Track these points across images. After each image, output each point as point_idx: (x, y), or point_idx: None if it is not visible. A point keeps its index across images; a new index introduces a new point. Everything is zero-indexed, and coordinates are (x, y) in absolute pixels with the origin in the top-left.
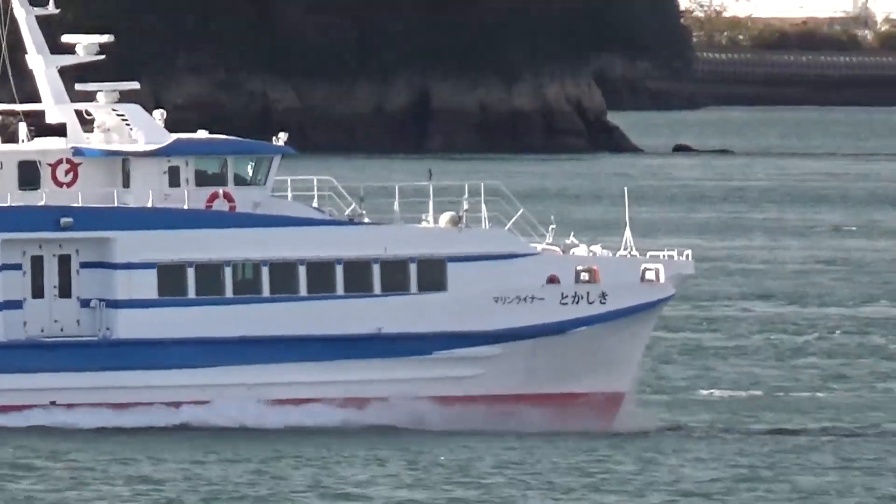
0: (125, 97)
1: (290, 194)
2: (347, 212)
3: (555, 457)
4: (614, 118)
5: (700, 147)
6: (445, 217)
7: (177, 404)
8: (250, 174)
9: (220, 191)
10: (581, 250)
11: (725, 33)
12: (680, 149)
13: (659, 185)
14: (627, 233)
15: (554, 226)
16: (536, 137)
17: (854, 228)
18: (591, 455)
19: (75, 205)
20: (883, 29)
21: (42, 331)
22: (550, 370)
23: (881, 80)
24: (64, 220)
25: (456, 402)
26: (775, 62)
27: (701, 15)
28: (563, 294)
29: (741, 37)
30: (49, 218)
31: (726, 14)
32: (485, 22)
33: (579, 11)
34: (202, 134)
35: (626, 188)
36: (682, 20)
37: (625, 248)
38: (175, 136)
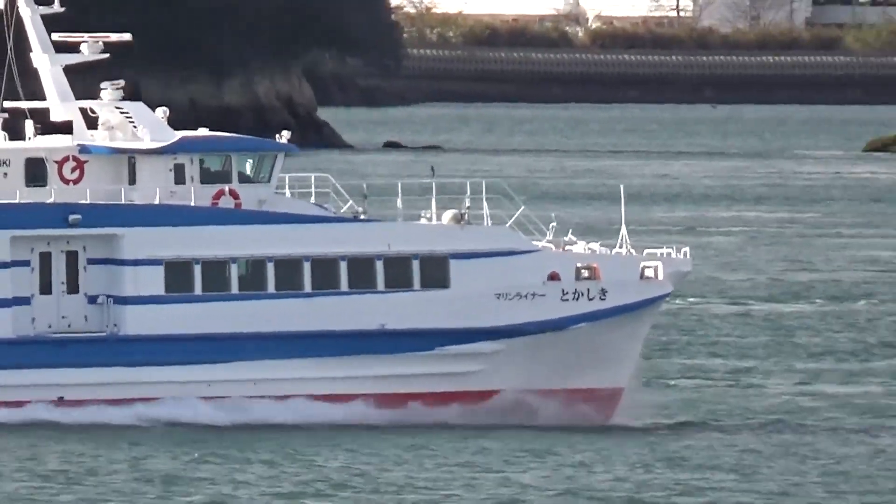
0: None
1: (287, 191)
2: (345, 209)
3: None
4: (325, 114)
5: (410, 144)
6: (448, 214)
7: (184, 399)
8: (255, 172)
9: (226, 188)
10: (578, 247)
11: (436, 30)
12: (390, 145)
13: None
14: (623, 230)
15: (555, 223)
16: (247, 133)
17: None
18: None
19: (83, 202)
20: (594, 26)
21: (50, 327)
22: (551, 366)
23: (592, 77)
24: (72, 217)
25: (457, 397)
26: (486, 59)
27: (412, 11)
28: (563, 291)
29: (452, 33)
30: (57, 215)
31: (437, 10)
32: (195, 17)
33: (290, 9)
34: (204, 132)
35: (622, 186)
36: (392, 17)
37: (621, 246)
38: (180, 133)
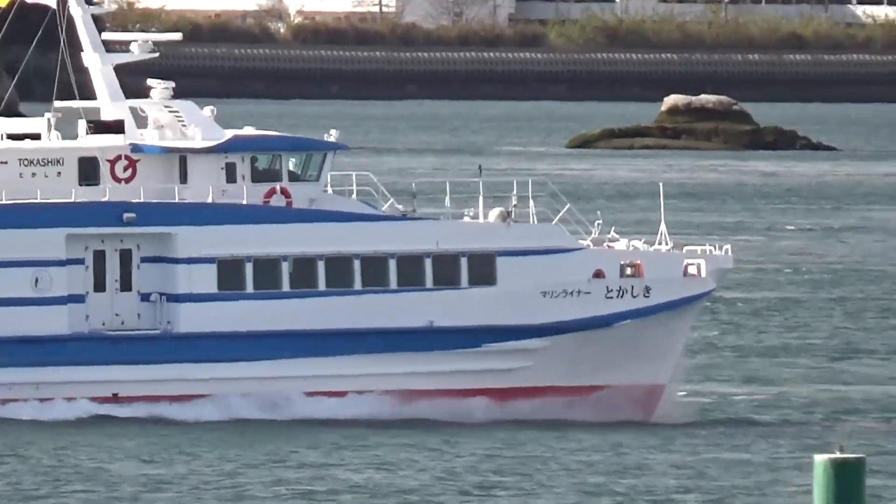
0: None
1: (329, 189)
2: (385, 206)
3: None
4: (26, 109)
5: None
6: (495, 212)
7: (237, 396)
8: (303, 170)
9: (278, 186)
10: (621, 245)
11: (138, 25)
12: None
13: None
14: (662, 227)
15: (600, 221)
16: None
17: None
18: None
19: (137, 200)
20: (296, 21)
21: (103, 324)
22: (595, 363)
23: (294, 73)
24: (127, 216)
25: (503, 394)
26: (189, 54)
27: (114, 6)
28: (608, 288)
29: (154, 29)
30: (112, 213)
31: (139, 5)
32: None
33: None
34: (250, 130)
35: (660, 184)
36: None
37: (661, 243)
38: (232, 132)
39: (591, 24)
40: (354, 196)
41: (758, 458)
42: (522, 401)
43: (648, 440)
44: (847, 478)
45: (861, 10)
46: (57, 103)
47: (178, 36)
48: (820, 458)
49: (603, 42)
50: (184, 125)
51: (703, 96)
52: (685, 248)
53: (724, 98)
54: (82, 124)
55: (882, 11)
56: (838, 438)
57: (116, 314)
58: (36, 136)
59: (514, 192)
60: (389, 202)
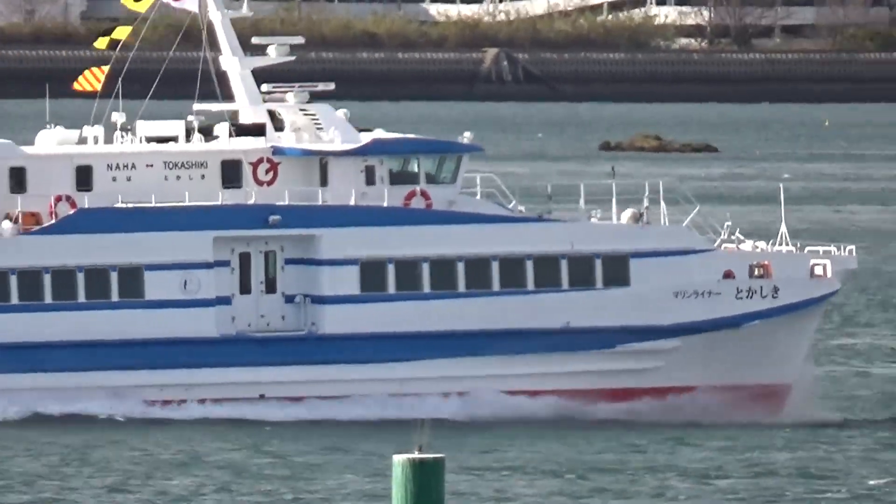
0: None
1: (479, 191)
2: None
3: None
4: None
5: None
6: (627, 214)
7: (382, 397)
8: (439, 172)
9: (418, 189)
10: (746, 246)
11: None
12: None
13: None
14: (783, 228)
15: (729, 223)
16: None
17: None
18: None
19: (281, 203)
20: None
21: (249, 326)
22: (724, 363)
23: None
24: (272, 218)
25: (635, 394)
26: None
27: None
28: (738, 289)
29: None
30: (258, 216)
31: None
32: None
33: None
34: (380, 132)
35: (780, 185)
36: None
37: (784, 244)
38: (369, 135)
39: (164, 23)
40: (478, 197)
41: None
42: (653, 401)
43: (774, 440)
44: (426, 477)
45: (434, 9)
46: (196, 106)
47: (300, 40)
48: (398, 458)
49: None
50: (320, 128)
51: None
52: (806, 248)
53: None
54: (221, 127)
55: (455, 10)
56: (419, 438)
57: (262, 316)
58: (173, 139)
59: (646, 193)
60: (512, 203)
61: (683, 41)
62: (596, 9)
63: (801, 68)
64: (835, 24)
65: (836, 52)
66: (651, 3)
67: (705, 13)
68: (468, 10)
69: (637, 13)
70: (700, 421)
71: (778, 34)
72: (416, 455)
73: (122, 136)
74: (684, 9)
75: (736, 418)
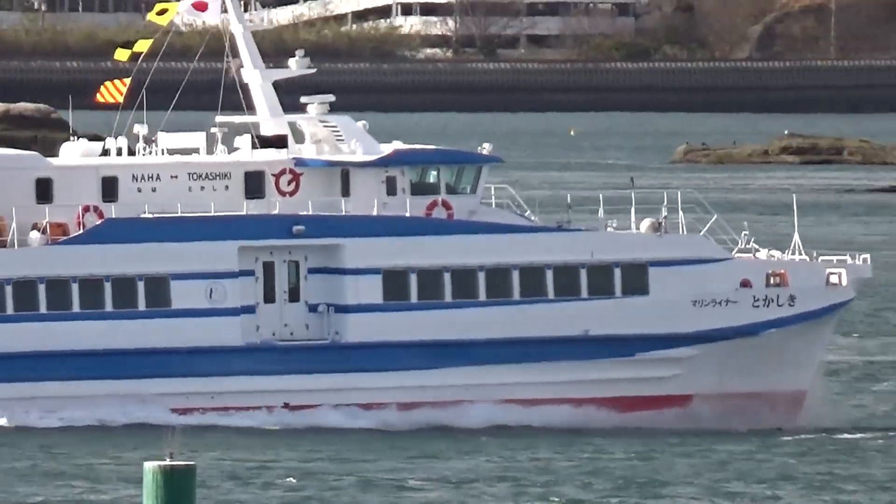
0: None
1: (493, 201)
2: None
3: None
4: None
5: None
6: (646, 223)
7: (407, 405)
8: (459, 182)
9: (440, 199)
10: (762, 255)
11: None
12: None
13: None
14: (796, 237)
15: (746, 232)
16: None
17: None
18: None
19: (304, 213)
20: None
21: (273, 334)
22: (741, 370)
23: None
24: (296, 228)
25: (654, 402)
26: None
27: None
28: (755, 297)
29: None
30: (282, 226)
31: None
32: None
33: None
34: (398, 144)
35: (794, 196)
36: None
37: (797, 253)
38: (389, 146)
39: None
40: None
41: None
42: (671, 408)
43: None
44: (176, 485)
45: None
46: (218, 118)
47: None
48: (149, 465)
49: None
50: (340, 139)
51: (21, 104)
52: (819, 257)
53: (41, 106)
54: (242, 139)
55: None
56: (169, 445)
57: (285, 325)
58: (194, 151)
59: (665, 203)
60: (526, 213)
61: (429, 51)
62: (340, 19)
63: (547, 78)
64: (580, 34)
65: (582, 62)
66: (396, 14)
67: (450, 23)
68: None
69: (382, 23)
70: (717, 428)
71: (523, 44)
72: (167, 462)
73: (145, 148)
74: (430, 18)
75: (753, 425)
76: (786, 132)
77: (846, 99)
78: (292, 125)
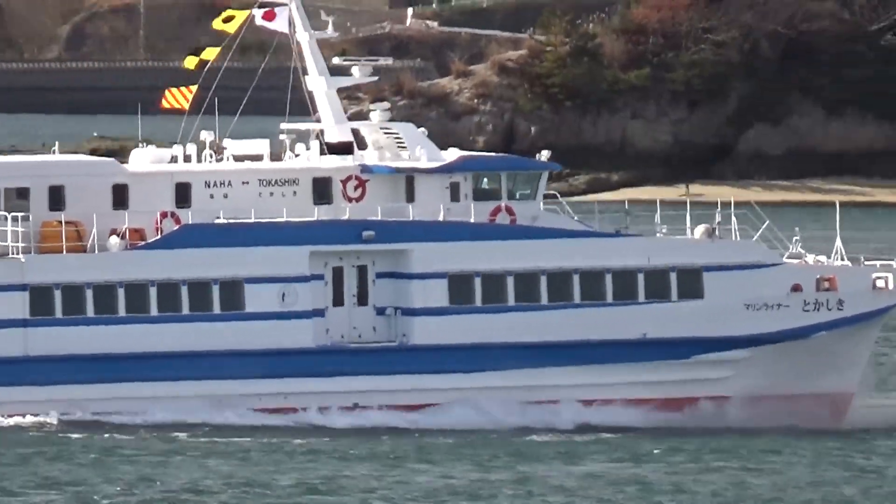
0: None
1: (541, 205)
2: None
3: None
4: None
5: None
6: (700, 229)
7: (467, 405)
8: (524, 189)
9: (503, 205)
10: (810, 260)
11: None
12: None
13: None
14: (838, 243)
15: (797, 238)
16: None
17: None
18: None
19: (373, 218)
20: None
21: (342, 337)
22: (791, 373)
23: None
24: (366, 233)
25: (708, 402)
26: None
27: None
28: (805, 301)
29: None
30: (352, 231)
31: None
32: None
33: None
34: (455, 151)
35: (837, 202)
36: None
37: (840, 258)
38: (454, 152)
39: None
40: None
41: None
42: (724, 409)
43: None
44: None
45: None
46: (283, 125)
47: (390, 61)
48: None
49: None
50: (402, 146)
51: None
52: (864, 262)
53: None
54: (301, 146)
55: None
56: None
57: (354, 327)
58: (258, 158)
59: (718, 209)
60: (575, 219)
61: None
62: None
63: None
64: None
65: None
66: None
67: None
68: None
69: None
70: (769, 429)
71: None
72: None
73: (211, 155)
74: None
75: (803, 426)
76: (94, 133)
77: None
78: (355, 132)
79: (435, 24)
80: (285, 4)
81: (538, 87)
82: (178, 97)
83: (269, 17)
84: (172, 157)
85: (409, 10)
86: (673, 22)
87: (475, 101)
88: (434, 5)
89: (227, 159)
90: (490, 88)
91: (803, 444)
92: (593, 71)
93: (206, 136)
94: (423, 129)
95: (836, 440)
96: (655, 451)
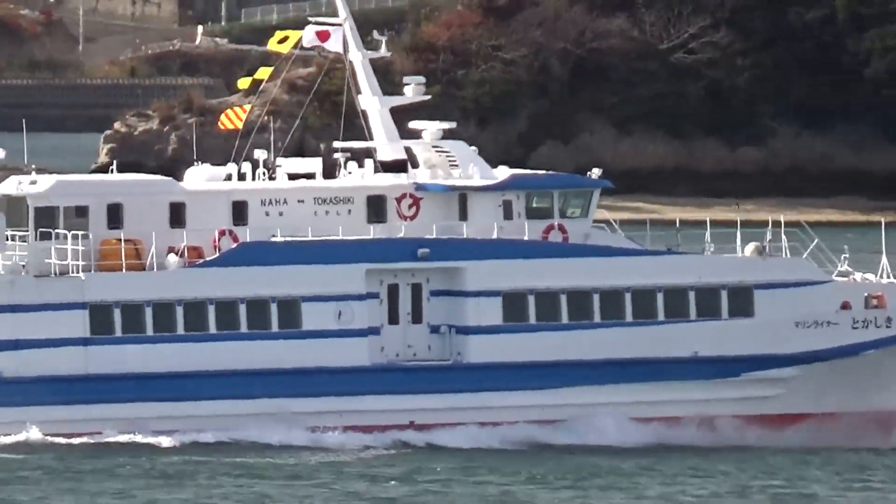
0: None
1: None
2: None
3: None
4: None
5: None
6: (750, 247)
7: (527, 424)
8: (575, 207)
9: (556, 223)
10: (858, 277)
11: None
12: None
13: None
14: (884, 260)
15: (846, 255)
16: None
17: None
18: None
19: (428, 236)
20: None
21: (397, 355)
22: (840, 390)
23: None
24: (421, 251)
25: (758, 421)
26: None
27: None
28: (854, 319)
29: None
30: (407, 249)
31: None
32: None
33: None
34: (505, 169)
35: (882, 220)
36: None
37: (887, 276)
38: (510, 171)
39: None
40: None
41: None
42: (774, 428)
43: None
44: None
45: None
46: (336, 143)
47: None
48: None
49: None
50: (454, 164)
51: None
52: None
53: None
54: (352, 164)
55: None
56: None
57: (409, 346)
58: (311, 176)
59: (769, 227)
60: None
61: None
62: None
63: None
64: None
65: None
66: None
67: None
68: None
69: None
70: (819, 447)
71: None
72: None
73: (265, 173)
74: None
75: (852, 444)
76: None
77: None
78: (407, 150)
79: (224, 41)
80: (339, 25)
81: (328, 104)
82: (233, 118)
83: (324, 37)
84: (227, 176)
85: (199, 28)
86: (463, 40)
87: (265, 118)
88: (223, 23)
89: (281, 178)
90: (280, 105)
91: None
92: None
93: (260, 154)
94: (474, 147)
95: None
96: (722, 467)
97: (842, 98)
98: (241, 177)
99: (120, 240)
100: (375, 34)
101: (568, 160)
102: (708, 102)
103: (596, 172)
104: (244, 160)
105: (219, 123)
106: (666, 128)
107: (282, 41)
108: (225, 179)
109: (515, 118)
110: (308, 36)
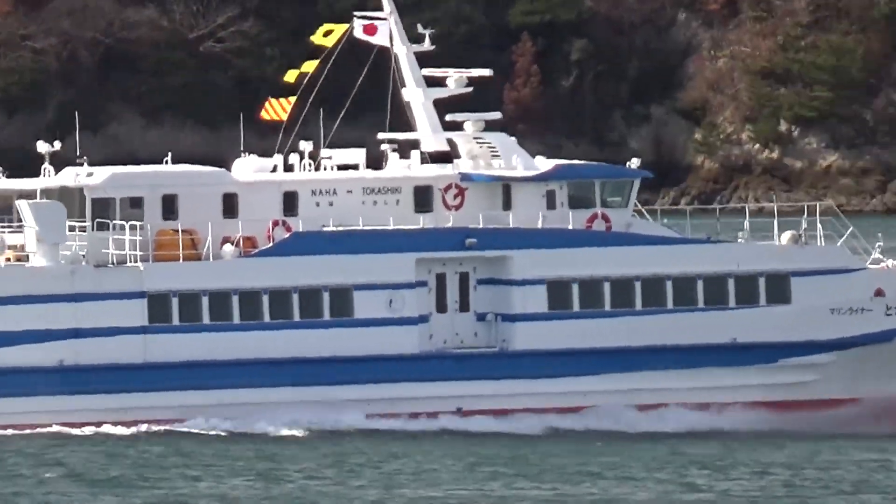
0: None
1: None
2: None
3: None
4: None
5: None
6: (787, 235)
7: (569, 410)
8: (617, 197)
9: (599, 212)
10: (890, 264)
11: None
12: None
13: None
14: None
15: (881, 243)
16: None
17: None
18: None
19: (475, 226)
20: None
21: (445, 343)
22: (873, 376)
23: None
24: (469, 241)
25: (794, 406)
26: None
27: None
28: (888, 306)
29: None
30: (455, 238)
31: None
32: None
33: None
34: (542, 160)
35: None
36: None
37: None
38: (553, 162)
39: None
40: None
41: None
42: (808, 413)
43: None
44: None
45: None
46: (381, 135)
47: (488, 72)
48: None
49: None
50: (496, 156)
51: None
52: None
53: None
54: (394, 155)
55: None
56: None
57: (456, 333)
58: (355, 166)
59: (805, 216)
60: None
61: None
62: None
63: None
64: None
65: None
66: None
67: None
68: None
69: None
70: (853, 432)
71: None
72: None
73: (310, 164)
74: None
75: (884, 429)
76: None
77: None
78: (449, 142)
79: None
80: (384, 19)
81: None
82: (277, 108)
83: (371, 31)
84: (274, 167)
85: None
86: None
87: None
88: None
89: (329, 168)
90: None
91: None
92: None
93: (306, 146)
94: (514, 138)
95: None
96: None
97: None
98: (289, 168)
99: (176, 230)
100: (420, 28)
101: (97, 150)
102: (237, 92)
103: (635, 162)
104: (289, 152)
105: (261, 112)
106: (196, 117)
107: (327, 34)
108: (272, 171)
109: (44, 108)
110: (357, 30)
